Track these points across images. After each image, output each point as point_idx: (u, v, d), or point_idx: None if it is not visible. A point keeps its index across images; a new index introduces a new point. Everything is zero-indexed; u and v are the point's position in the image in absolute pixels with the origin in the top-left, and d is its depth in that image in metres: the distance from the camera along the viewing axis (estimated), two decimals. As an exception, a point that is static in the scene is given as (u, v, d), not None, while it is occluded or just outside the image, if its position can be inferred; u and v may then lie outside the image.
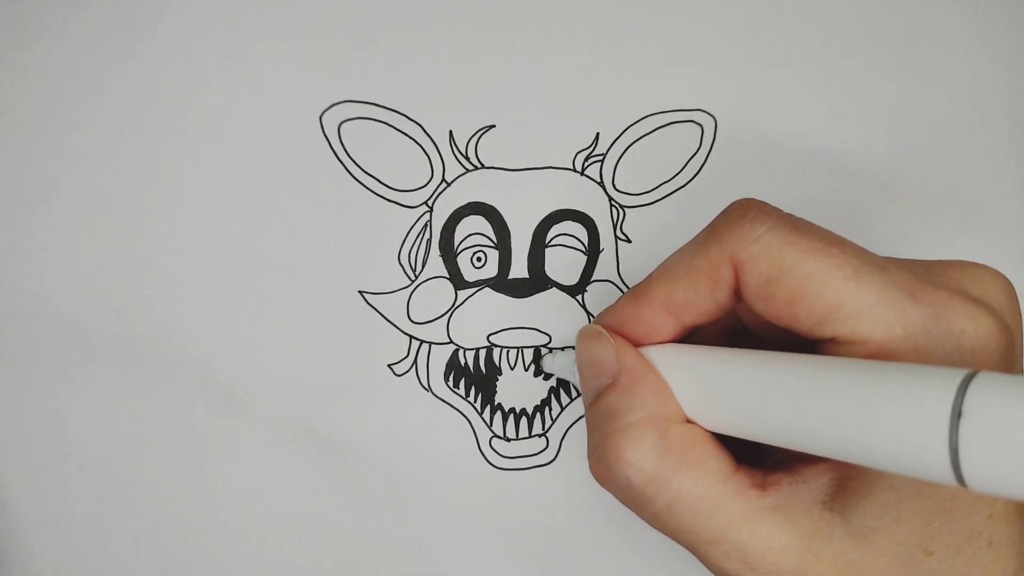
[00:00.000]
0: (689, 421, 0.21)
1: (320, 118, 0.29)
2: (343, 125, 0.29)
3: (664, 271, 0.22)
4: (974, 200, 0.31)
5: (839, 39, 0.31)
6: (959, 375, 0.15)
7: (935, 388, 0.15)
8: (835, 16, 0.31)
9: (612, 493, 0.21)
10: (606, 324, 0.23)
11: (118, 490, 0.29)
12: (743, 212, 0.20)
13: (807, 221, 0.20)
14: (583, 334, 0.23)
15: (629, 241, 0.30)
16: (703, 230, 0.21)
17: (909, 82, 0.31)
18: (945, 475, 0.15)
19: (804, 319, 0.19)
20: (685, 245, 0.22)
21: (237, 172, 0.29)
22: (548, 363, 0.29)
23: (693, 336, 0.23)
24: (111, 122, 0.29)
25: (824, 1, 0.31)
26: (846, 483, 0.19)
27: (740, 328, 0.24)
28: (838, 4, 0.31)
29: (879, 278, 0.19)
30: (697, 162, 0.30)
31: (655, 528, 0.21)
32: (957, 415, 0.15)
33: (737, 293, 0.21)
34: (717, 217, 0.21)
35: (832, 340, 0.19)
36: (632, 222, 0.30)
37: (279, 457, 0.29)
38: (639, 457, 0.20)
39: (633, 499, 0.21)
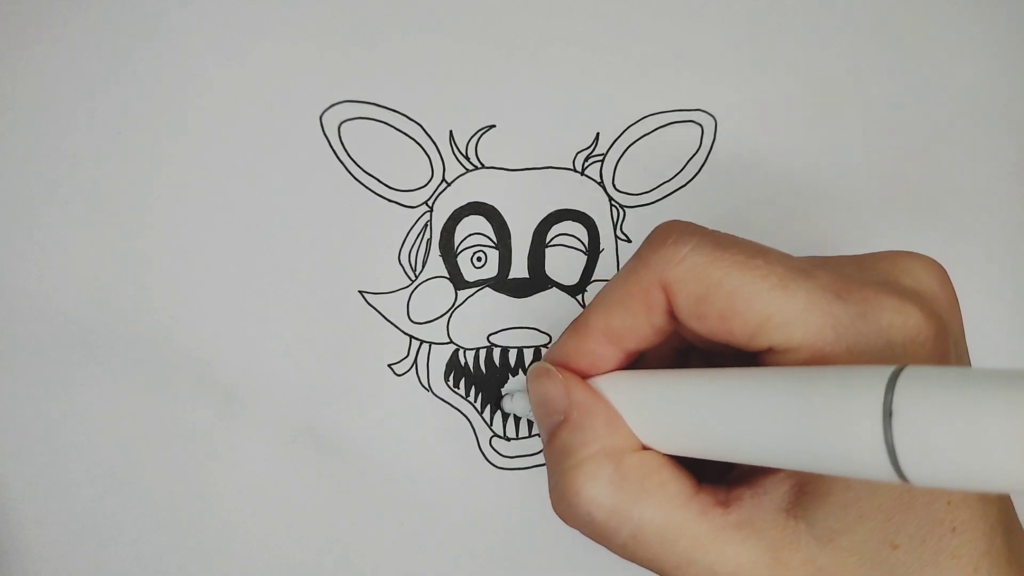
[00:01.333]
0: (645, 448, 0.21)
1: (320, 118, 0.29)
2: (343, 125, 0.29)
3: (599, 302, 0.22)
4: (973, 200, 0.31)
5: (839, 39, 0.31)
6: (886, 373, 0.15)
7: (864, 389, 0.15)
8: (835, 16, 0.31)
9: (577, 530, 0.21)
10: (553, 359, 0.23)
11: (118, 490, 0.29)
12: (665, 235, 0.20)
13: (731, 235, 0.20)
14: (532, 373, 0.23)
15: (629, 241, 0.30)
16: (631, 257, 0.21)
17: (909, 82, 0.31)
18: (887, 474, 0.15)
19: (739, 333, 0.19)
20: (617, 274, 0.22)
21: (237, 172, 0.29)
22: (508, 405, 0.29)
23: (641, 361, 0.23)
24: (111, 122, 0.29)
25: (824, 1, 0.31)
26: (805, 488, 0.20)
27: (686, 347, 0.24)
28: (838, 4, 0.31)
29: (805, 283, 0.19)
30: (697, 162, 0.30)
31: (625, 559, 0.21)
32: (888, 414, 0.15)
33: (673, 315, 0.21)
34: (643, 242, 0.21)
35: (769, 350, 0.19)
36: (632, 222, 0.30)
37: (279, 457, 0.29)
38: (597, 492, 0.20)
39: (598, 534, 0.21)
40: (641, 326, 0.21)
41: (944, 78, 0.31)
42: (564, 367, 0.23)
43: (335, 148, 0.29)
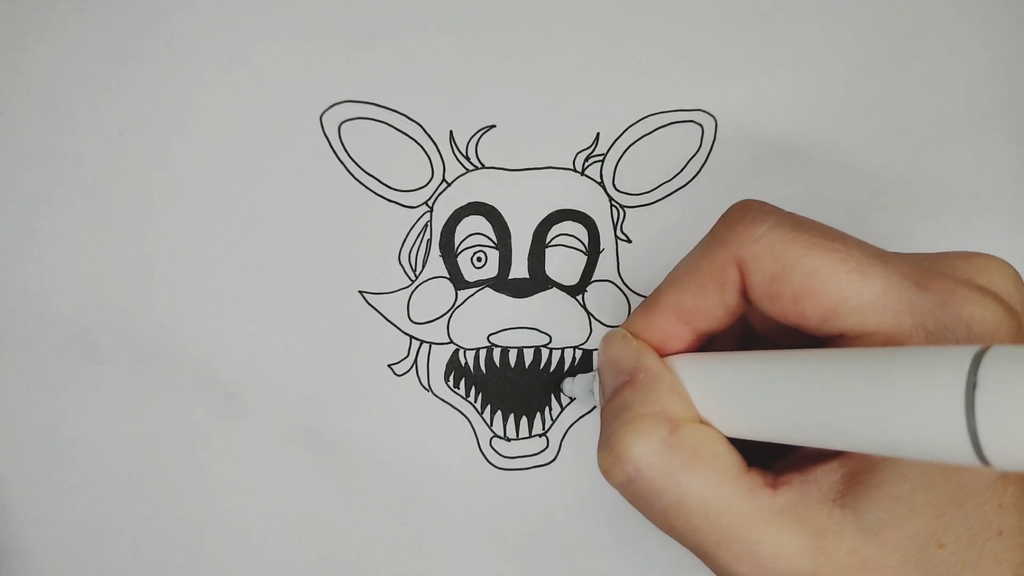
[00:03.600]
0: (704, 423, 0.21)
1: (320, 118, 0.29)
2: (343, 125, 0.29)
3: (672, 279, 0.22)
4: (974, 199, 0.31)
5: (839, 39, 0.31)
6: (971, 351, 0.15)
7: (948, 364, 0.15)
8: (835, 16, 0.31)
9: (618, 488, 0.21)
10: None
11: (118, 490, 0.29)
12: (743, 213, 0.20)
13: (808, 218, 0.20)
14: (607, 336, 0.23)
15: (629, 241, 0.30)
16: (706, 235, 0.21)
17: (909, 82, 0.31)
18: (964, 453, 0.15)
19: (811, 315, 0.19)
20: (690, 252, 0.22)
21: (237, 172, 0.29)
22: (568, 387, 0.29)
23: (708, 346, 0.23)
24: (112, 122, 0.29)
25: (825, 1, 0.31)
26: (857, 478, 0.19)
27: (753, 335, 0.24)
28: (838, 4, 0.31)
29: (883, 269, 0.19)
30: (697, 162, 0.30)
31: (661, 528, 0.21)
32: (972, 387, 0.14)
33: (745, 295, 0.21)
34: (718, 220, 0.21)
35: (841, 336, 0.19)
36: (632, 222, 0.30)
37: (279, 457, 0.29)
38: (648, 450, 0.20)
39: (640, 494, 0.20)
40: (713, 305, 0.21)
41: (944, 78, 0.31)
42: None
43: (335, 148, 0.29)
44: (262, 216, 0.29)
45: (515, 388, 0.30)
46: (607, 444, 0.21)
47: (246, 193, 0.29)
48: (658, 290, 0.22)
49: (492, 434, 0.30)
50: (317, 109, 0.29)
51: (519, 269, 0.30)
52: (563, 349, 0.30)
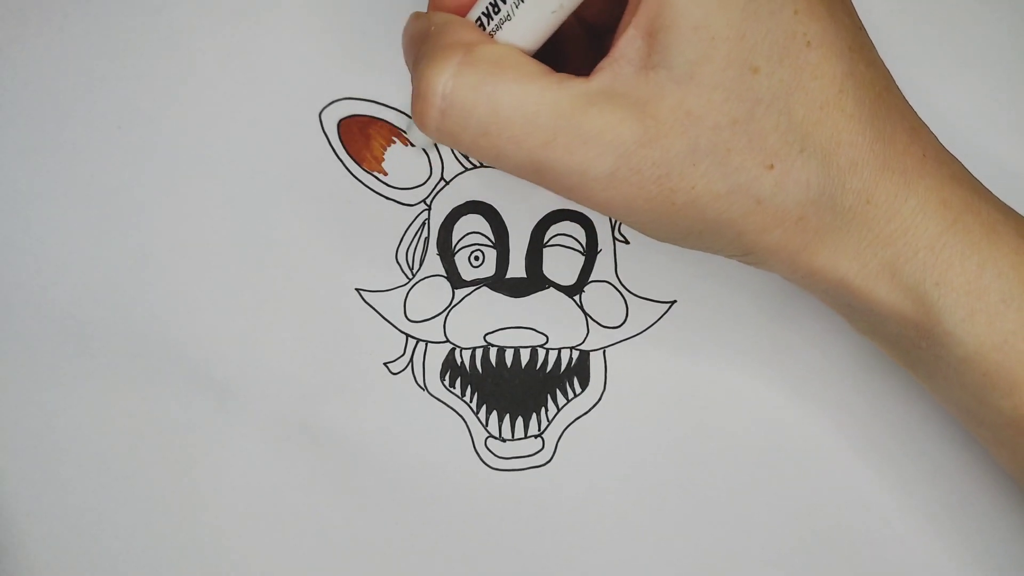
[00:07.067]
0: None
1: (319, 115, 0.29)
2: (343, 122, 0.29)
3: None
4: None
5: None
6: None
7: None
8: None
9: (438, 134, 0.20)
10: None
11: (112, 485, 0.29)
12: None
13: None
14: (404, 29, 0.23)
15: (627, 242, 0.30)
16: None
17: (911, 82, 0.31)
18: None
19: None
20: None
21: (235, 168, 0.29)
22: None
23: None
24: (110, 116, 0.29)
25: None
26: (655, 32, 0.19)
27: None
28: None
29: None
30: (697, 164, 0.30)
31: (489, 158, 0.20)
32: None
33: None
34: None
35: None
36: (631, 223, 0.30)
37: (273, 454, 0.29)
38: (449, 73, 0.19)
39: (456, 123, 0.20)
40: None
41: (948, 78, 0.31)
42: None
43: (334, 145, 0.29)
44: (259, 212, 0.29)
45: (511, 388, 0.30)
46: (413, 96, 0.20)
47: (244, 189, 0.29)
48: None
49: (488, 434, 0.30)
50: (316, 106, 0.29)
51: (516, 269, 0.30)
52: (560, 349, 0.29)
